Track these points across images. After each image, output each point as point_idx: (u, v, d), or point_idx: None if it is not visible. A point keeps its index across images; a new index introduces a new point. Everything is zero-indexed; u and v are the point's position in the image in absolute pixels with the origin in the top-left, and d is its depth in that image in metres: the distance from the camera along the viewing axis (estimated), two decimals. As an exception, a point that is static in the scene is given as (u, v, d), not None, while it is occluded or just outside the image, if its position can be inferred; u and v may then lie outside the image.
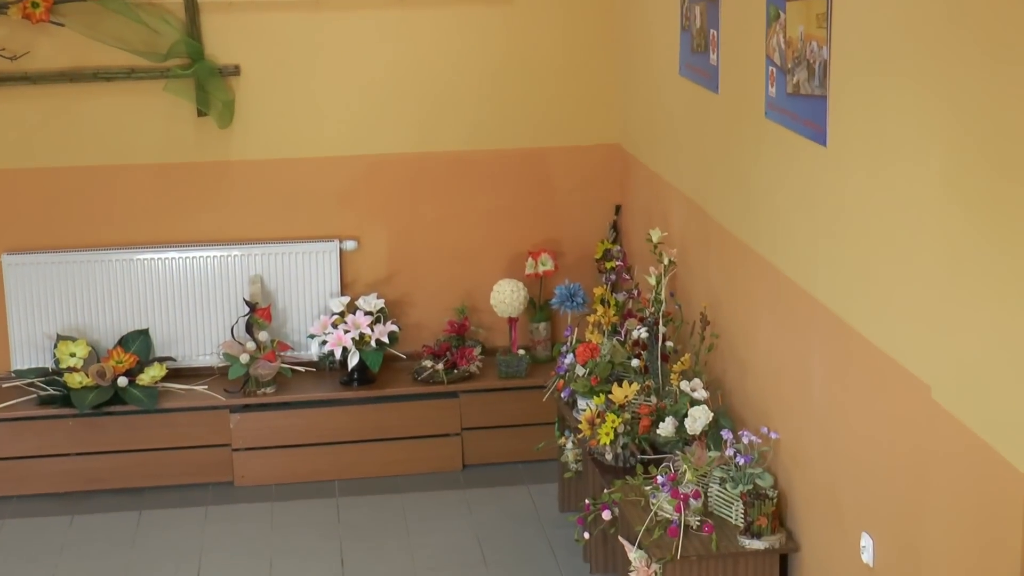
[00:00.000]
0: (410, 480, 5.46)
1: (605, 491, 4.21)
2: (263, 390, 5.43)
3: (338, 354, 5.42)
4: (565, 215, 5.75)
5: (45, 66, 5.35)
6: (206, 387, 5.46)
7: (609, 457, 4.39)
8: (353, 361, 5.41)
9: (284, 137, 5.56)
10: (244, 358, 5.37)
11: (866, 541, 3.35)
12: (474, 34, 5.56)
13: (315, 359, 5.57)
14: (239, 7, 5.39)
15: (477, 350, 5.56)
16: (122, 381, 5.33)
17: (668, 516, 3.90)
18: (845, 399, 3.46)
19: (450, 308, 5.67)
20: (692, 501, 3.90)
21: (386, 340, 5.43)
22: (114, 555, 4.94)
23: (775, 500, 3.80)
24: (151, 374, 5.40)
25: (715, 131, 4.41)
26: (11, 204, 5.49)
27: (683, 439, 4.22)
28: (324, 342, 5.44)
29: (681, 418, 4.23)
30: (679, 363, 4.38)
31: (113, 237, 5.56)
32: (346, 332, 5.40)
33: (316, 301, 5.62)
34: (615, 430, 4.34)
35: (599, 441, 4.36)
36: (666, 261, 4.51)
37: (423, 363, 5.53)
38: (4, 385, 5.45)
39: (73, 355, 5.38)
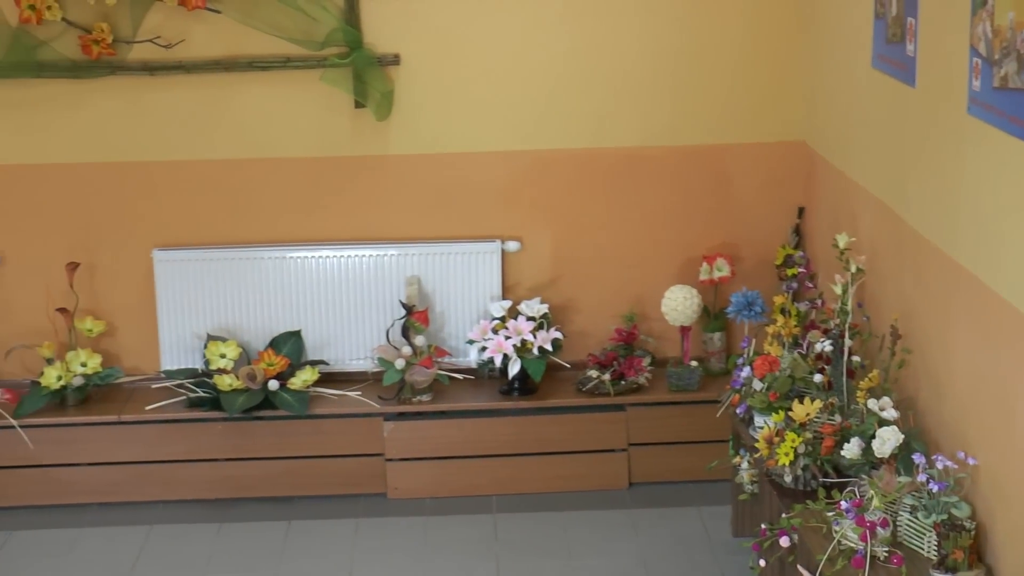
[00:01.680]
0: (572, 498, 5.46)
1: (783, 516, 4.15)
2: (419, 398, 5.49)
3: (498, 361, 5.45)
4: (743, 217, 5.70)
5: (200, 54, 5.49)
6: (359, 393, 5.54)
7: (788, 479, 4.34)
8: (514, 369, 5.44)
9: (445, 130, 5.62)
10: (399, 363, 5.43)
11: (1075, 581, 3.25)
12: (649, 22, 5.54)
13: (474, 366, 5.62)
14: (400, -7, 5.48)
15: (646, 360, 5.55)
16: (273, 384, 5.45)
17: (852, 545, 3.83)
18: (1054, 424, 3.36)
19: (618, 315, 5.66)
20: (880, 530, 3.83)
21: (549, 348, 5.45)
22: (262, 567, 5.04)
23: (973, 532, 3.71)
24: (303, 378, 5.50)
25: (910, 128, 4.32)
26: (163, 198, 5.64)
27: (870, 462, 4.15)
28: (484, 348, 5.47)
29: (868, 439, 4.16)
30: (866, 380, 4.30)
31: (265, 234, 5.68)
32: (507, 338, 5.43)
33: (476, 305, 5.66)
34: (795, 450, 4.28)
35: (777, 461, 4.31)
36: (853, 268, 4.43)
37: (588, 373, 5.53)
38: (153, 386, 5.61)
39: (223, 356, 5.51)
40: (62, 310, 5.56)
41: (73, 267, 5.55)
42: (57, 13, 5.34)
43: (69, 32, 5.39)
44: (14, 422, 5.37)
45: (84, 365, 5.50)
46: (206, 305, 5.65)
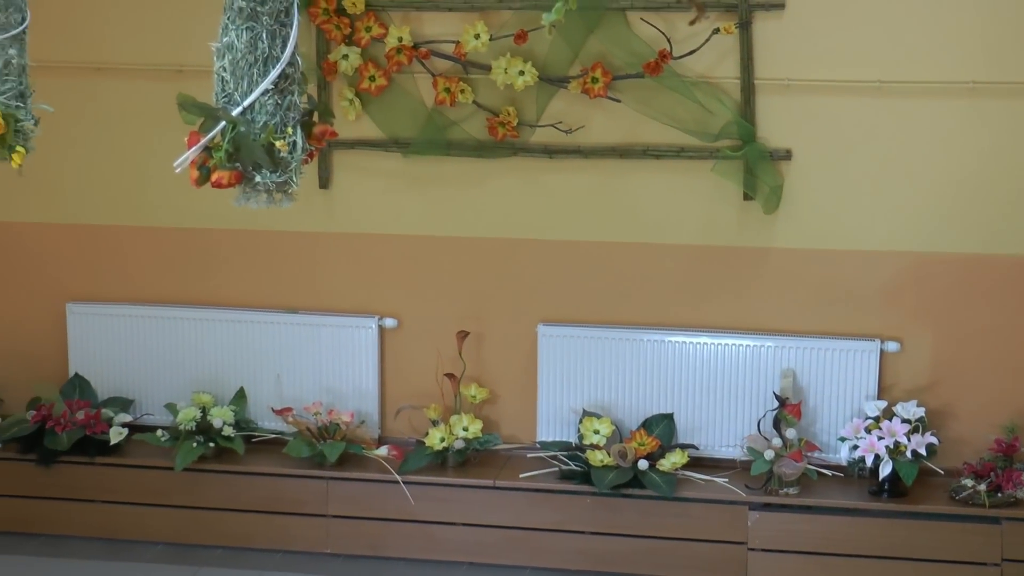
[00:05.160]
0: (938, 608, 5.39)
1: None
2: (786, 490, 5.53)
3: (869, 461, 5.44)
4: None
5: (597, 140, 5.74)
6: (727, 480, 5.62)
7: None
8: (885, 471, 5.41)
9: (830, 227, 5.67)
10: (769, 454, 5.50)
11: None
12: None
13: (843, 464, 5.62)
14: (796, 90, 5.56)
15: (1026, 475, 5.44)
16: (642, 464, 5.59)
17: None
18: None
19: (998, 425, 5.56)
20: None
21: (923, 452, 5.40)
22: (620, 641, 5.19)
23: None
24: (672, 460, 5.62)
25: None
26: (552, 274, 5.90)
27: None
28: (855, 447, 5.47)
29: None
30: None
31: (646, 316, 5.85)
32: (880, 439, 5.42)
33: (850, 402, 5.68)
34: None
35: None
36: None
37: (963, 482, 5.45)
38: (528, 455, 5.86)
39: (597, 432, 5.71)
40: (450, 375, 5.90)
41: (463, 335, 5.89)
42: (469, 96, 5.72)
43: (478, 114, 5.76)
44: (398, 478, 5.72)
45: (466, 429, 5.81)
46: (584, 381, 5.87)
